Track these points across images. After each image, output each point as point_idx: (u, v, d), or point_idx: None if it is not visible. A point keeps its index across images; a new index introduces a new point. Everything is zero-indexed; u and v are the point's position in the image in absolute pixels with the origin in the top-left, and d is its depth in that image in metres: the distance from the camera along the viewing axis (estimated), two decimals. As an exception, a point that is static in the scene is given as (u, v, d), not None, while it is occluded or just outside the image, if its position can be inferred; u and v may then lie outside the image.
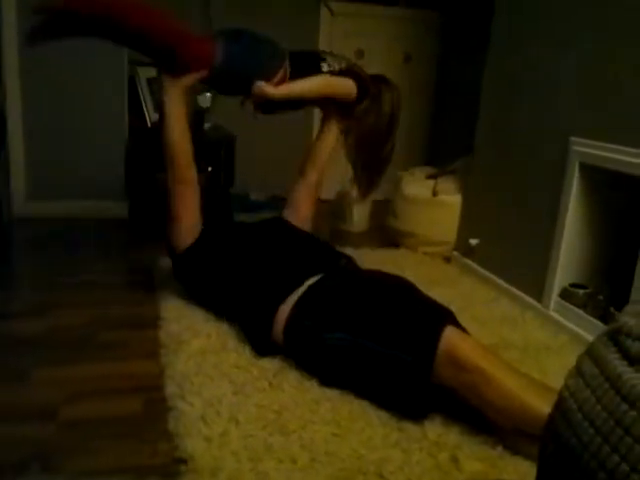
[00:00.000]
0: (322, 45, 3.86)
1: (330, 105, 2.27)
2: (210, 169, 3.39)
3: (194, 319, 1.97)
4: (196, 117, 3.44)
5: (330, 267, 1.90)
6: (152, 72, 3.35)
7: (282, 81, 2.05)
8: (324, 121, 2.35)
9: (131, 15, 1.83)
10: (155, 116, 3.28)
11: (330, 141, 2.32)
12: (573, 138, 2.12)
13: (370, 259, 2.48)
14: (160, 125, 2.00)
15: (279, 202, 2.47)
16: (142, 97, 3.28)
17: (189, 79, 1.94)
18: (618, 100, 1.96)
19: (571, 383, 0.71)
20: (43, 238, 2.83)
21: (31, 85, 2.96)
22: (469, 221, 2.82)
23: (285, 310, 1.73)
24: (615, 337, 0.67)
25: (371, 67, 3.96)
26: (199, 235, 2.07)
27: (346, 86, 2.17)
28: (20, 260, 2.52)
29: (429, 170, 3.24)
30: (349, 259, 2.08)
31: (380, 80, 2.32)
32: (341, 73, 2.17)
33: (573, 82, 2.16)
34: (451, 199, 2.93)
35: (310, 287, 1.75)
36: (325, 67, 2.15)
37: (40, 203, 3.08)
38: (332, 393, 1.57)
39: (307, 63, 2.15)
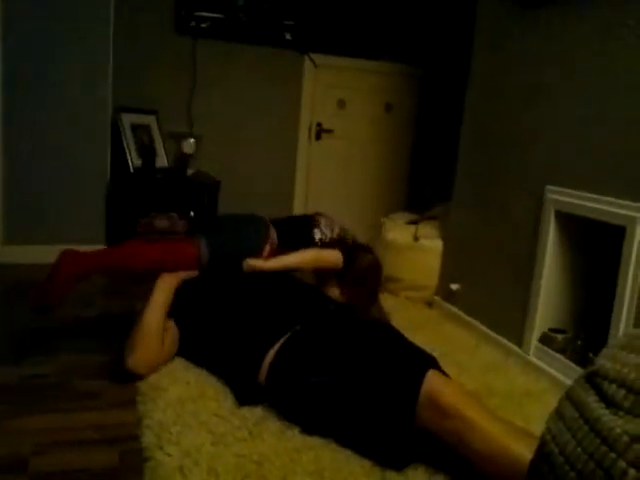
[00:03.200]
0: (306, 94, 3.96)
1: (320, 270, 2.34)
2: (192, 214, 3.41)
3: (173, 366, 1.93)
4: (180, 162, 3.48)
5: (318, 312, 1.90)
6: (136, 118, 3.40)
7: (271, 253, 2.15)
8: (320, 284, 2.37)
9: (115, 264, 2.01)
10: (138, 162, 3.31)
11: (333, 285, 2.34)
12: (549, 186, 2.18)
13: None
14: (142, 309, 1.95)
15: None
16: (125, 142, 3.32)
17: (179, 278, 2.02)
18: (592, 150, 2.03)
19: (552, 426, 0.71)
20: (19, 283, 2.78)
21: (12, 127, 2.97)
22: (450, 266, 2.85)
23: (271, 356, 1.72)
24: (593, 380, 0.67)
25: (353, 117, 4.11)
26: (183, 283, 2.05)
27: (334, 258, 2.25)
28: (-4, 306, 2.47)
29: (410, 216, 3.29)
30: (338, 304, 2.09)
31: (364, 248, 2.41)
32: (331, 243, 2.28)
33: (548, 133, 2.23)
34: (432, 244, 2.96)
35: (294, 332, 1.75)
36: (318, 234, 2.27)
37: (17, 248, 3.04)
38: (314, 442, 1.54)
39: (298, 229, 2.26)
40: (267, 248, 2.14)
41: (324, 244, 2.28)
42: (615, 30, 1.94)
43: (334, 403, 1.55)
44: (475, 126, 2.71)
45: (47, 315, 1.96)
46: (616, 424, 0.61)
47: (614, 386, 0.64)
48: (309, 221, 2.35)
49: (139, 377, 1.83)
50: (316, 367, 1.61)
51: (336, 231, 2.33)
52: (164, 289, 1.96)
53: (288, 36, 3.80)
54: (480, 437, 1.33)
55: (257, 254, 2.12)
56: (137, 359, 1.81)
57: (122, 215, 3.25)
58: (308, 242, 2.26)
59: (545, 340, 2.18)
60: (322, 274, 2.36)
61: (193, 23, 3.56)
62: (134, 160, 3.32)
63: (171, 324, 1.97)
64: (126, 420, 1.63)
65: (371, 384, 1.51)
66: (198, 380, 1.85)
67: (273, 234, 2.18)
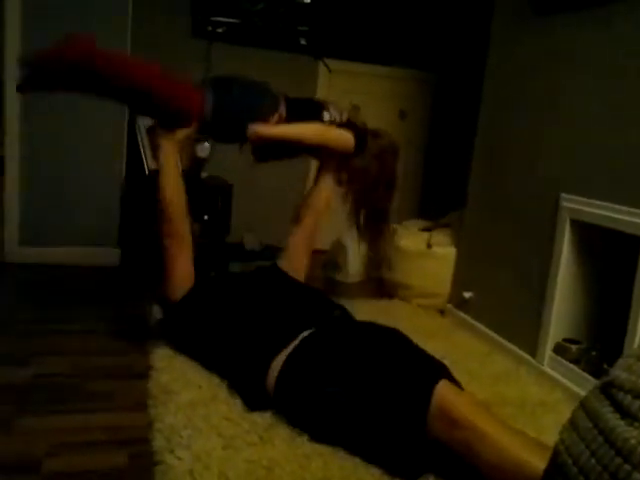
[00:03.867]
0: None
1: (326, 156, 2.29)
2: (206, 217, 3.42)
3: (184, 369, 1.93)
4: (194, 166, 3.50)
5: (324, 318, 1.89)
6: (151, 121, 3.43)
7: (278, 122, 2.06)
8: (320, 171, 2.36)
9: (118, 71, 1.84)
10: (152, 163, 3.33)
11: (325, 191, 2.32)
12: (564, 194, 2.16)
13: (364, 310, 2.47)
14: (156, 179, 2.03)
15: (273, 252, 2.48)
16: (141, 144, 3.34)
17: (181, 133, 1.98)
18: (607, 158, 2.01)
19: (566, 437, 0.70)
20: (34, 284, 2.81)
21: (30, 130, 3.00)
22: (463, 274, 2.84)
23: (278, 363, 1.71)
24: (607, 390, 0.67)
25: (367, 122, 4.09)
26: (192, 287, 2.06)
27: (344, 138, 2.16)
28: (8, 306, 2.49)
29: (423, 223, 3.28)
30: (343, 310, 2.07)
31: (381, 137, 2.34)
32: (342, 125, 2.18)
33: (563, 140, 2.22)
34: (445, 251, 2.95)
35: (302, 340, 1.74)
36: (327, 116, 2.15)
37: (32, 249, 3.07)
38: (323, 449, 1.53)
39: (308, 110, 2.16)
40: (274, 118, 2.04)
41: (334, 124, 2.18)
42: (631, 37, 1.93)
43: (345, 413, 1.54)
44: (489, 133, 2.69)
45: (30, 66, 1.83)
46: (631, 435, 0.60)
47: (629, 397, 0.63)
48: (318, 104, 2.26)
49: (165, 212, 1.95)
50: (326, 377, 1.60)
51: (345, 116, 2.22)
52: (168, 154, 1.98)
53: (303, 41, 3.81)
54: (491, 447, 1.32)
55: (263, 121, 2.02)
56: (167, 227, 1.96)
57: (136, 218, 3.27)
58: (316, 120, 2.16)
59: (559, 350, 2.16)
60: (327, 157, 2.26)
61: (209, 28, 3.59)
62: (149, 163, 3.34)
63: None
64: (137, 422, 1.64)
65: (382, 394, 1.50)
66: (210, 384, 1.85)
67: (282, 107, 2.08)
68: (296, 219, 2.32)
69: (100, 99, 2.06)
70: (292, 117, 2.09)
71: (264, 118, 2.03)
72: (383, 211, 2.31)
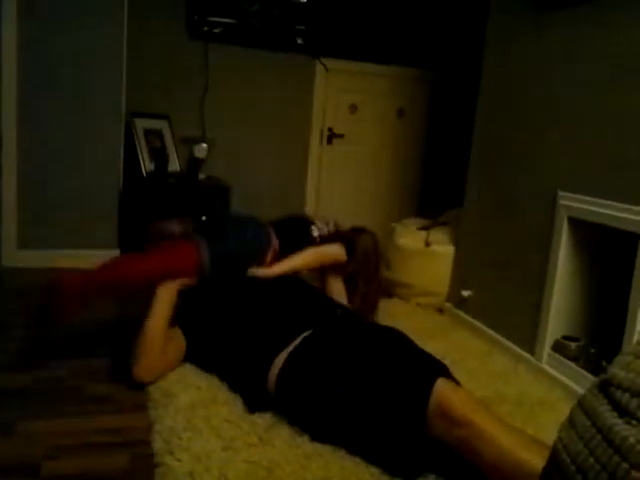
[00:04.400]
0: (317, 99, 3.97)
1: (323, 270, 2.38)
2: (204, 218, 3.41)
3: (184, 371, 1.93)
4: (192, 167, 3.50)
5: (326, 317, 1.89)
6: (148, 123, 3.43)
7: (274, 258, 2.14)
8: (325, 280, 2.41)
9: (116, 279, 1.92)
10: (150, 166, 3.33)
11: (339, 287, 2.40)
12: (561, 192, 2.16)
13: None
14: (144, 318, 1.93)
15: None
16: (138, 147, 3.34)
17: (180, 285, 1.97)
18: (605, 156, 2.01)
19: (564, 435, 0.70)
20: (32, 288, 2.80)
21: (27, 133, 3.00)
22: (461, 273, 2.84)
23: (279, 362, 1.71)
24: (605, 389, 0.67)
25: (365, 121, 4.11)
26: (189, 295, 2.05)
27: (336, 253, 2.29)
28: (7, 310, 2.49)
29: (421, 221, 3.28)
30: (345, 309, 2.08)
31: (359, 231, 2.45)
32: (330, 237, 2.30)
33: (560, 138, 2.22)
34: (443, 250, 2.95)
35: (304, 339, 1.74)
36: (315, 232, 2.27)
37: (31, 252, 3.07)
38: (324, 449, 1.54)
39: (297, 231, 2.27)
40: (269, 254, 2.14)
41: (323, 239, 2.30)
42: (630, 34, 1.93)
43: (345, 412, 1.55)
44: (487, 131, 2.70)
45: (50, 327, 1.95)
46: (629, 433, 0.60)
47: (627, 395, 0.63)
48: (304, 220, 2.37)
49: (145, 384, 1.83)
50: (327, 376, 1.60)
51: (332, 224, 2.35)
52: (165, 297, 1.93)
53: (300, 41, 3.81)
54: (490, 445, 1.32)
55: (260, 260, 2.11)
56: (141, 368, 1.82)
57: (134, 219, 3.27)
58: (307, 241, 2.26)
59: (558, 348, 2.16)
60: (327, 272, 2.37)
61: (206, 28, 3.58)
62: (147, 165, 3.34)
63: (177, 332, 1.96)
64: (137, 424, 1.64)
65: (381, 393, 1.51)
66: (209, 385, 1.85)
67: (274, 239, 2.17)
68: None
69: None
70: (284, 242, 2.18)
71: (262, 257, 2.12)
72: (372, 297, 2.44)
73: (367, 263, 2.39)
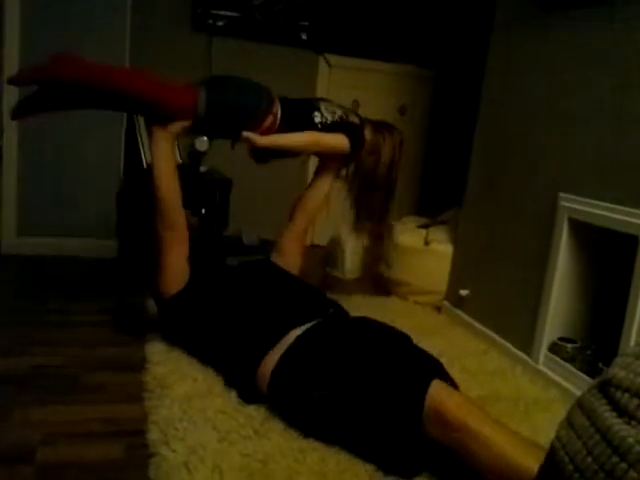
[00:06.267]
0: (320, 95, 3.96)
1: (325, 155, 2.29)
2: (204, 211, 3.41)
3: (180, 362, 1.94)
4: (192, 160, 3.49)
5: (318, 315, 1.88)
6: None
7: (272, 127, 2.05)
8: (318, 170, 2.36)
9: (112, 81, 1.87)
10: (150, 156, 3.32)
11: (322, 189, 2.33)
12: (562, 194, 2.16)
13: (361, 307, 2.47)
14: (150, 172, 2.01)
15: (271, 246, 2.48)
16: (139, 137, 3.33)
17: (174, 127, 1.97)
18: (606, 158, 2.01)
19: (562, 434, 0.70)
20: (31, 276, 2.81)
21: (27, 121, 2.98)
22: (459, 272, 2.84)
23: (271, 360, 1.70)
24: (605, 389, 0.67)
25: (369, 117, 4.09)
26: (187, 282, 2.05)
27: (336, 142, 2.15)
28: (6, 297, 2.49)
29: (421, 220, 3.28)
30: (338, 307, 2.05)
31: (383, 126, 2.33)
32: (334, 125, 2.14)
33: (562, 139, 2.22)
34: (443, 248, 2.95)
35: (296, 340, 1.72)
36: (317, 118, 2.12)
37: (30, 240, 3.07)
38: (319, 443, 1.54)
39: (299, 112, 2.13)
40: (268, 120, 2.04)
41: (325, 127, 2.13)
42: (633, 35, 1.92)
43: (337, 416, 1.54)
44: (488, 131, 2.69)
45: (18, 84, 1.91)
46: (628, 434, 0.60)
47: (627, 395, 0.63)
48: (310, 104, 2.22)
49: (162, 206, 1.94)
50: (317, 380, 1.59)
51: (338, 114, 2.18)
52: (162, 147, 1.96)
53: (303, 36, 3.81)
54: (484, 447, 1.32)
55: (257, 124, 2.02)
56: (161, 219, 1.95)
57: (134, 210, 3.27)
58: (309, 125, 2.13)
59: (554, 349, 2.16)
60: (326, 164, 2.28)
61: (210, 21, 3.57)
62: (147, 156, 3.33)
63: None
64: (133, 414, 1.64)
65: (375, 396, 1.50)
66: (205, 377, 1.85)
67: (277, 108, 2.07)
68: (290, 217, 2.34)
69: (92, 109, 2.10)
70: (285, 118, 2.08)
71: (258, 118, 2.03)
72: (383, 207, 2.33)
73: (376, 158, 2.23)
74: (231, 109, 2.00)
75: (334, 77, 3.99)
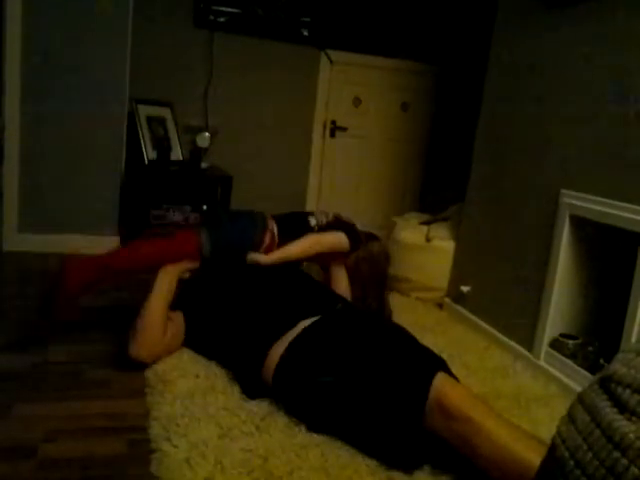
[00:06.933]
0: (321, 91, 3.96)
1: (326, 259, 2.35)
2: (205, 207, 3.42)
3: (182, 358, 1.94)
4: (194, 156, 3.49)
5: (326, 309, 1.90)
6: (151, 110, 3.42)
7: (272, 243, 2.14)
8: (330, 273, 2.39)
9: (118, 268, 1.98)
10: (152, 154, 3.32)
11: (343, 278, 2.38)
12: (564, 190, 2.16)
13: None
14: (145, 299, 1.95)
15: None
16: (141, 134, 3.33)
17: (182, 267, 2.01)
18: (608, 154, 2.01)
19: (563, 430, 0.70)
20: (33, 272, 2.81)
21: (29, 117, 2.99)
22: (461, 268, 2.84)
23: (277, 351, 1.72)
24: (606, 385, 0.67)
25: (368, 114, 4.09)
26: (191, 281, 2.06)
27: (336, 240, 2.26)
28: (7, 294, 2.49)
29: (423, 216, 3.28)
30: (345, 302, 2.08)
31: (371, 236, 2.45)
32: (329, 226, 2.27)
33: (563, 136, 2.21)
34: (444, 245, 2.95)
35: (304, 330, 1.74)
36: (313, 221, 2.25)
37: (31, 236, 3.07)
38: (320, 439, 1.55)
39: (294, 221, 2.26)
40: (267, 238, 2.13)
41: (321, 229, 2.26)
42: (636, 31, 1.92)
43: (341, 405, 1.55)
44: (490, 127, 2.69)
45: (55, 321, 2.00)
46: (629, 430, 0.60)
47: (628, 391, 0.63)
48: (303, 213, 2.38)
49: (142, 364, 1.85)
50: (324, 367, 1.61)
51: (331, 215, 2.32)
52: (166, 279, 1.95)
53: (305, 32, 3.80)
54: (487, 441, 1.33)
55: (258, 244, 2.11)
56: (139, 347, 1.84)
57: (135, 206, 3.27)
58: (305, 230, 2.24)
59: (556, 345, 2.16)
60: (331, 263, 2.35)
61: (211, 17, 3.57)
62: (149, 152, 3.33)
63: (177, 315, 1.99)
64: (135, 410, 1.64)
65: (379, 386, 1.51)
66: (207, 373, 1.86)
67: (272, 224, 2.17)
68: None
69: None
70: (283, 231, 2.18)
71: (258, 241, 2.12)
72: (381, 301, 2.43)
73: (372, 267, 2.38)
74: (232, 242, 2.09)
75: (336, 73, 3.98)
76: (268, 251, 2.12)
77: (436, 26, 4.03)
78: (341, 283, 2.35)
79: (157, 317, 1.88)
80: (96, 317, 2.31)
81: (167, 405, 1.64)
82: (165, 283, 1.94)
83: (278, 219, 2.22)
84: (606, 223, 1.98)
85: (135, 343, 1.84)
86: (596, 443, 0.63)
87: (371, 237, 2.45)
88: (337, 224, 2.29)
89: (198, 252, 2.03)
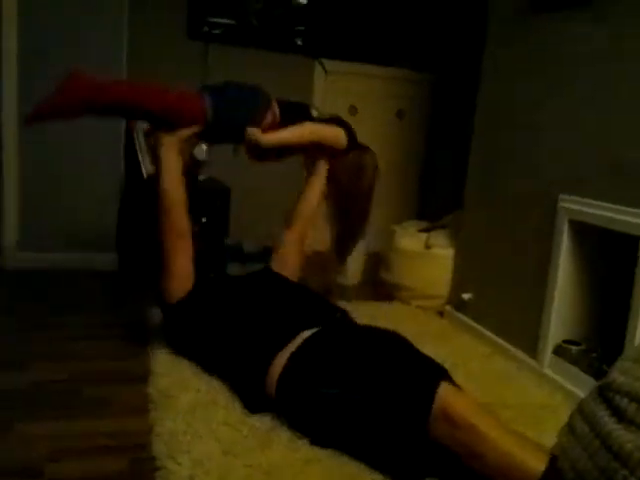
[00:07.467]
0: (316, 100, 3.96)
1: (319, 153, 2.33)
2: (204, 220, 3.42)
3: (184, 373, 1.93)
4: (192, 169, 3.49)
5: (325, 320, 1.89)
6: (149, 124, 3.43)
7: (272, 125, 2.11)
8: (309, 174, 2.39)
9: (122, 97, 1.93)
10: (151, 168, 3.33)
11: (315, 192, 2.36)
12: (562, 195, 2.16)
13: (363, 312, 2.46)
14: (156, 177, 2.03)
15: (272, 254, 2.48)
16: (138, 148, 3.34)
17: (184, 133, 2.00)
18: (606, 158, 2.01)
19: (563, 440, 0.70)
20: (32, 290, 2.81)
21: (28, 136, 3.00)
22: (461, 275, 2.83)
23: (279, 362, 1.71)
24: (605, 394, 0.66)
25: (364, 123, 4.10)
26: (192, 288, 2.06)
27: (334, 134, 2.23)
28: (7, 312, 2.49)
29: (421, 224, 3.28)
30: (344, 312, 2.07)
31: (364, 146, 2.40)
32: (330, 120, 2.25)
33: (561, 140, 2.21)
34: (444, 252, 2.95)
35: (306, 340, 1.74)
36: (315, 112, 2.23)
37: (31, 254, 3.07)
38: (324, 453, 1.53)
39: (296, 109, 2.23)
40: (269, 117, 2.11)
41: (322, 121, 2.25)
42: (631, 37, 1.93)
43: (345, 416, 1.54)
44: (487, 134, 2.69)
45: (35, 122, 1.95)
46: (628, 439, 0.60)
47: (626, 400, 0.63)
48: (305, 104, 2.36)
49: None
50: (326, 378, 1.60)
51: (332, 113, 2.32)
52: (171, 152, 1.97)
53: (299, 42, 3.82)
54: (492, 450, 1.32)
55: (259, 121, 2.08)
56: (168, 229, 1.95)
57: (135, 221, 3.27)
58: (306, 119, 2.23)
59: (559, 352, 2.15)
60: (320, 154, 2.32)
61: (206, 29, 3.59)
62: (147, 166, 3.34)
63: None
64: (137, 427, 1.63)
65: (383, 396, 1.50)
66: (209, 388, 1.85)
67: (275, 105, 2.15)
68: (287, 223, 2.36)
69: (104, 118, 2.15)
70: (284, 116, 2.15)
71: (259, 118, 2.08)
72: (354, 230, 2.43)
73: (359, 178, 2.34)
74: (235, 111, 2.06)
75: (330, 83, 3.99)
76: (267, 131, 2.09)
77: (431, 34, 4.05)
78: (315, 191, 2.34)
79: (177, 194, 1.95)
80: (96, 334, 2.31)
81: (170, 421, 1.63)
82: (171, 157, 1.97)
83: (281, 103, 2.19)
84: (606, 227, 1.97)
85: (162, 216, 1.93)
86: (596, 454, 0.63)
87: (365, 148, 2.43)
88: (338, 121, 2.27)
89: (201, 115, 1.99)
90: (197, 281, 2.09)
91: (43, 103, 1.89)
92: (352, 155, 2.30)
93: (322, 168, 2.35)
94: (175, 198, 1.97)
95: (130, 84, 2.09)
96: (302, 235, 2.35)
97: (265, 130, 2.09)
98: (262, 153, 2.19)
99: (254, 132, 2.05)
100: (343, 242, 2.41)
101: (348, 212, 2.36)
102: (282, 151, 2.22)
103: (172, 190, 1.97)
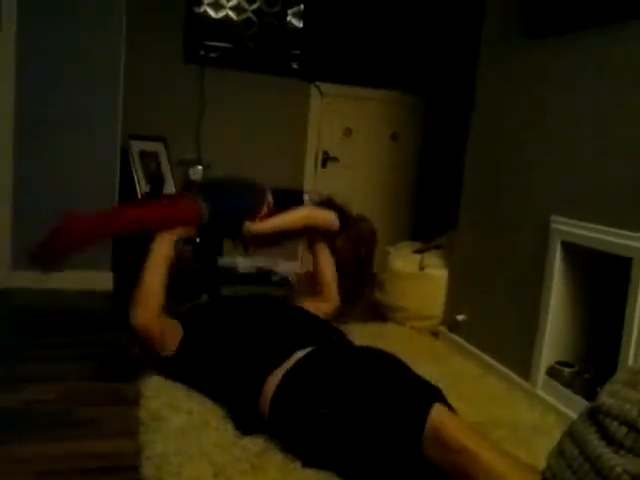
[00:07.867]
0: (312, 123, 4.01)
1: (313, 236, 2.41)
2: (198, 240, 3.41)
3: (175, 394, 1.91)
4: (187, 189, 3.51)
5: (320, 341, 1.89)
6: (144, 145, 3.45)
7: (267, 215, 2.19)
8: (314, 250, 2.43)
9: (123, 226, 2.04)
10: (146, 189, 3.34)
11: (327, 264, 2.42)
12: (554, 217, 2.17)
13: (358, 333, 2.46)
14: (141, 267, 1.99)
15: (266, 275, 2.50)
16: (134, 170, 3.35)
17: (180, 233, 2.05)
18: (598, 180, 2.03)
19: (553, 463, 0.70)
20: (26, 309, 2.79)
21: (23, 156, 3.01)
22: (455, 297, 2.84)
23: (273, 381, 1.69)
24: (595, 416, 0.66)
25: (359, 145, 4.14)
26: (182, 335, 2.00)
27: (328, 217, 2.33)
28: None
29: (415, 245, 3.29)
30: (340, 333, 2.07)
31: (360, 218, 2.51)
32: (322, 204, 2.35)
33: (552, 162, 2.24)
34: (438, 273, 2.95)
35: (299, 360, 1.73)
36: (307, 198, 2.35)
37: (25, 274, 3.05)
38: (317, 476, 1.51)
39: (289, 195, 2.34)
40: (264, 210, 2.17)
41: (314, 205, 2.35)
42: (617, 60, 1.96)
43: (338, 435, 1.53)
44: (479, 156, 2.72)
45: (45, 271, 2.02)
46: (617, 463, 0.60)
47: (616, 423, 0.63)
48: (298, 190, 2.51)
49: (139, 335, 1.89)
50: (319, 398, 1.59)
51: (324, 196, 2.41)
52: (164, 245, 1.97)
53: (295, 65, 3.87)
54: (485, 472, 1.31)
55: (255, 215, 2.15)
56: (138, 313, 1.87)
57: (129, 242, 3.26)
58: (300, 204, 2.33)
59: (552, 373, 2.15)
60: (316, 240, 2.39)
61: (202, 52, 3.63)
62: (142, 187, 3.35)
63: (175, 323, 2.00)
64: (127, 449, 1.61)
65: (376, 416, 1.49)
66: (200, 409, 1.82)
67: (269, 196, 2.22)
68: (316, 294, 2.42)
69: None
70: (278, 205, 2.24)
71: (256, 212, 2.17)
72: (360, 285, 2.51)
73: (359, 250, 2.42)
74: (230, 215, 2.15)
75: (326, 105, 4.04)
76: (262, 219, 2.17)
77: (425, 58, 4.11)
78: (324, 260, 2.39)
79: (156, 284, 1.91)
80: (86, 354, 2.29)
81: (160, 443, 1.61)
82: (163, 249, 1.97)
83: (275, 191, 2.26)
84: (598, 249, 1.98)
85: (135, 309, 1.87)
86: (585, 477, 0.62)
87: (360, 219, 2.51)
88: (329, 204, 2.37)
89: (198, 219, 2.05)
90: (186, 320, 2.05)
91: (42, 250, 1.95)
92: (352, 230, 2.41)
93: (322, 246, 2.43)
94: (153, 286, 1.92)
95: (124, 210, 2.16)
96: (334, 294, 2.43)
97: (260, 219, 2.17)
98: (258, 240, 2.26)
99: (250, 228, 2.13)
100: (350, 296, 2.48)
101: (352, 275, 2.45)
102: (278, 237, 2.29)
103: (152, 282, 1.93)
